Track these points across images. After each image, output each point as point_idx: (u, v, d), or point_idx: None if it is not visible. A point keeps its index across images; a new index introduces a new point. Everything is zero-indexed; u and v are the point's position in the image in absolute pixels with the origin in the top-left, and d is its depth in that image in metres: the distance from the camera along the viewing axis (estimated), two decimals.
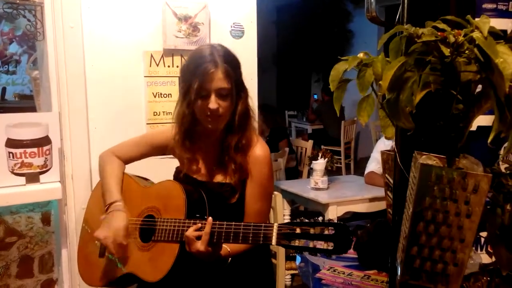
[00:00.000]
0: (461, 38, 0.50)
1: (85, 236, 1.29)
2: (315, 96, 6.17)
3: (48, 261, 1.59)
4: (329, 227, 0.92)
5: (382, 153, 0.92)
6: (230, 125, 1.13)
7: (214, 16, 1.70)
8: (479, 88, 0.61)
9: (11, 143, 1.42)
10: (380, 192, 2.36)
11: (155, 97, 1.67)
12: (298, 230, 0.94)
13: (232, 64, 1.10)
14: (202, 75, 1.06)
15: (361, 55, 0.62)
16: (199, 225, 1.02)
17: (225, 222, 1.02)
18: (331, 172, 2.57)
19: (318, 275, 1.29)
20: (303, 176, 3.49)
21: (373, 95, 0.63)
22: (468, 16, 0.53)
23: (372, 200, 2.35)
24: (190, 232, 1.02)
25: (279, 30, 6.65)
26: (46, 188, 1.47)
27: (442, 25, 0.53)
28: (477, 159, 0.67)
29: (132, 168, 1.32)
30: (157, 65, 1.66)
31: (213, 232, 1.01)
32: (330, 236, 0.92)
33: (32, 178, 1.45)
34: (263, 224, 0.99)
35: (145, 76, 1.65)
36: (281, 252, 1.99)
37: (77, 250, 1.32)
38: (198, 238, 1.01)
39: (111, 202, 1.17)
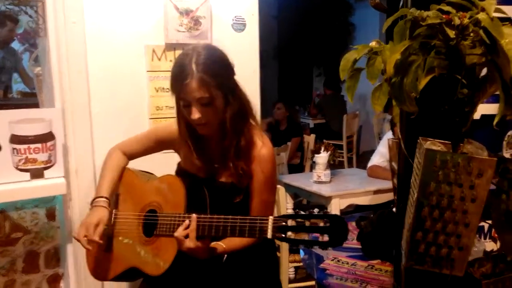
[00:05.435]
0: (466, 20, 0.50)
1: None
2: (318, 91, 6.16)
3: (54, 256, 1.60)
4: (325, 219, 0.92)
5: (389, 140, 0.92)
6: (224, 129, 1.11)
7: (215, 9, 1.70)
8: (483, 72, 0.61)
9: (15, 139, 1.43)
10: (383, 184, 2.36)
11: (157, 91, 1.67)
12: (293, 223, 0.94)
13: (212, 71, 1.05)
14: (179, 86, 1.05)
15: (373, 43, 0.62)
16: (187, 222, 1.03)
17: (215, 216, 1.02)
18: (333, 166, 2.57)
19: (322, 265, 1.29)
20: (305, 170, 3.49)
21: (386, 84, 0.62)
22: None
23: (375, 192, 2.35)
24: (179, 232, 1.02)
25: (280, 24, 6.61)
26: (51, 184, 1.47)
27: (447, 8, 0.52)
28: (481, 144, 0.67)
29: (136, 163, 1.33)
30: (159, 59, 1.66)
31: (198, 226, 1.02)
32: (325, 228, 0.91)
33: (37, 173, 1.46)
34: (258, 217, 0.99)
35: (147, 71, 1.65)
36: (284, 245, 2.00)
37: None
38: (187, 236, 1.02)
39: (94, 198, 1.19)
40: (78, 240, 1.11)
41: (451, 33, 0.51)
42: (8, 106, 2.14)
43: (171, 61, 1.67)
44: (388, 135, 2.51)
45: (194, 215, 1.03)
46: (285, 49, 6.57)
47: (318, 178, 2.40)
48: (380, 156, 2.50)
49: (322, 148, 2.41)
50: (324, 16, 6.08)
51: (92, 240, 1.10)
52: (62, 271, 1.62)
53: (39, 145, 1.45)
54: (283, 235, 0.94)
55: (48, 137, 1.47)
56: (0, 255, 1.51)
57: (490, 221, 0.81)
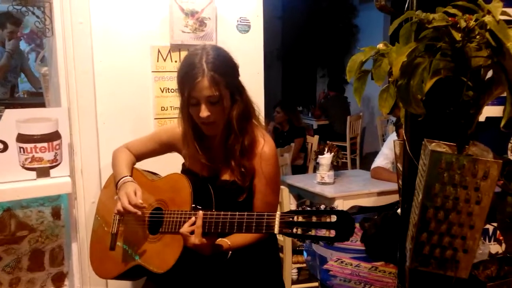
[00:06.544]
0: (472, 23, 0.50)
1: (97, 229, 1.31)
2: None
3: (59, 255, 1.61)
4: (331, 215, 0.93)
5: (394, 142, 0.93)
6: (229, 128, 1.13)
7: (220, 11, 1.71)
8: (489, 74, 0.61)
9: (22, 138, 1.44)
10: (386, 186, 2.36)
11: (162, 92, 1.68)
12: (300, 218, 0.95)
13: (222, 70, 1.07)
14: (189, 84, 1.06)
15: (380, 45, 0.62)
16: (193, 219, 1.04)
17: (222, 212, 1.03)
18: (337, 167, 2.58)
19: (325, 266, 1.29)
20: (309, 171, 3.49)
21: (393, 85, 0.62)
22: (480, 1, 0.53)
23: (378, 194, 2.35)
24: (185, 228, 1.04)
25: (284, 25, 6.62)
26: (56, 183, 1.49)
27: (453, 10, 0.53)
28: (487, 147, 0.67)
29: (141, 164, 1.34)
30: (164, 60, 1.67)
31: (205, 223, 1.03)
32: (332, 223, 0.92)
33: (43, 172, 1.47)
34: (265, 213, 1.00)
35: (152, 71, 1.66)
36: (287, 245, 2.00)
37: (89, 243, 1.34)
38: (193, 233, 1.03)
39: (119, 179, 1.20)
40: (126, 210, 1.11)
41: (457, 36, 0.51)
42: (15, 105, 2.16)
43: (176, 61, 1.68)
44: (392, 136, 2.50)
45: (200, 212, 1.04)
46: (289, 50, 6.58)
47: (321, 179, 2.40)
48: (384, 158, 2.50)
49: (326, 149, 2.41)
50: (328, 17, 6.09)
51: (136, 205, 1.11)
52: (66, 269, 1.63)
53: (45, 144, 1.46)
54: (290, 231, 0.95)
55: (54, 136, 1.48)
56: (5, 253, 1.52)
57: (495, 224, 0.81)
